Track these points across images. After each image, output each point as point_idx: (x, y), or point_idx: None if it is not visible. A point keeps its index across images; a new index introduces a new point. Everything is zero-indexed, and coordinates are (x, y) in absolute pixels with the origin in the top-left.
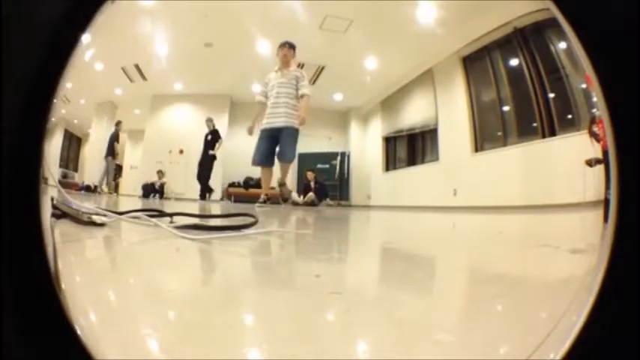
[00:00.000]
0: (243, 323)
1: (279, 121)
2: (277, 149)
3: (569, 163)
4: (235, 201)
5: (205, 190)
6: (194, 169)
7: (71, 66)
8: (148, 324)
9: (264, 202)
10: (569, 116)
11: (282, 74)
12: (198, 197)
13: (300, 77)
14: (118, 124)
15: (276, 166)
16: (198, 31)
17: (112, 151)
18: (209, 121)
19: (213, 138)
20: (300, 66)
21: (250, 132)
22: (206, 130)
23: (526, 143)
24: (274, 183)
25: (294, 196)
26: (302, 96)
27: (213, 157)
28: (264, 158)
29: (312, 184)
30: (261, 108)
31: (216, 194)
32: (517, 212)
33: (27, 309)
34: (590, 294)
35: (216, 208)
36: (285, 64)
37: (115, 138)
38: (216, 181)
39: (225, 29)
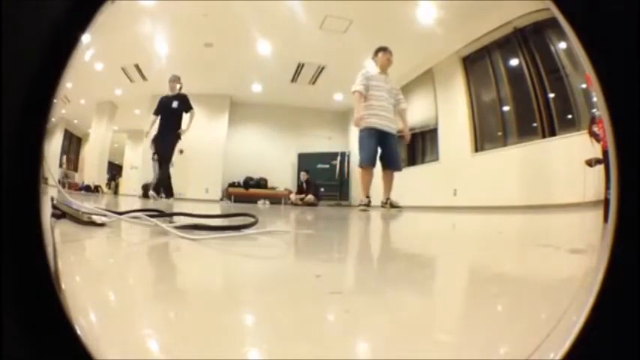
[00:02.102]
0: (243, 323)
1: (392, 126)
2: (382, 154)
3: (569, 163)
4: (235, 201)
5: (161, 185)
6: (194, 169)
7: (71, 66)
8: (148, 324)
9: (367, 205)
10: (569, 116)
11: (385, 79)
12: (141, 194)
13: (398, 91)
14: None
15: None
16: (198, 31)
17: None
18: (173, 81)
19: (180, 107)
20: (300, 66)
21: (358, 123)
22: (168, 93)
23: (526, 143)
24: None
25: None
26: (404, 110)
27: (178, 137)
28: (375, 159)
29: (305, 184)
30: (361, 99)
31: (217, 194)
32: (517, 212)
33: (27, 309)
34: (590, 294)
35: (215, 209)
36: (386, 69)
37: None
38: (216, 181)
39: (225, 29)
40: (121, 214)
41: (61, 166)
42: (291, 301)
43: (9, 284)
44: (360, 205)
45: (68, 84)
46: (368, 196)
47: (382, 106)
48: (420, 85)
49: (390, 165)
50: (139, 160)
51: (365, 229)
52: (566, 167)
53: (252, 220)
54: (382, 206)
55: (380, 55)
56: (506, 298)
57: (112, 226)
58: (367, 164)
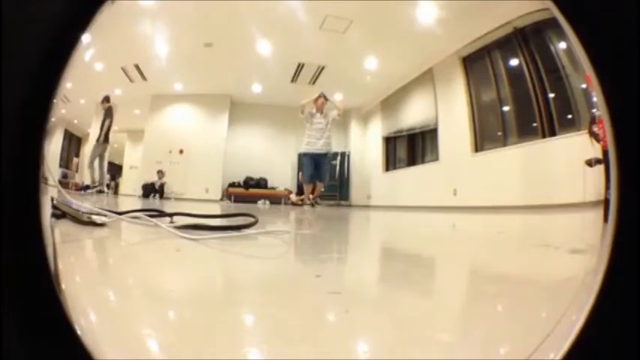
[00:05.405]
0: (243, 323)
1: (324, 148)
2: (314, 172)
3: (569, 163)
4: (235, 201)
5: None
6: (194, 169)
7: (71, 66)
8: (148, 324)
9: (312, 205)
10: (569, 116)
11: (320, 115)
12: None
13: (331, 113)
14: (105, 100)
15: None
16: (198, 31)
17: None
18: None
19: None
20: (300, 66)
21: (302, 110)
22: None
23: (526, 143)
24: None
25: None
26: (336, 114)
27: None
28: (313, 177)
29: None
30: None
31: (217, 194)
32: (517, 212)
33: (27, 309)
34: (590, 294)
35: (215, 209)
36: (320, 109)
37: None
38: (216, 181)
39: (225, 29)
40: (120, 214)
41: (61, 166)
42: (292, 302)
43: (9, 284)
44: (305, 204)
45: (68, 84)
46: (309, 199)
47: (317, 135)
48: (420, 85)
49: (318, 180)
50: (139, 160)
51: (364, 230)
52: (566, 167)
53: (252, 220)
54: (310, 204)
55: (315, 100)
56: (506, 298)
57: (112, 226)
58: (308, 182)
